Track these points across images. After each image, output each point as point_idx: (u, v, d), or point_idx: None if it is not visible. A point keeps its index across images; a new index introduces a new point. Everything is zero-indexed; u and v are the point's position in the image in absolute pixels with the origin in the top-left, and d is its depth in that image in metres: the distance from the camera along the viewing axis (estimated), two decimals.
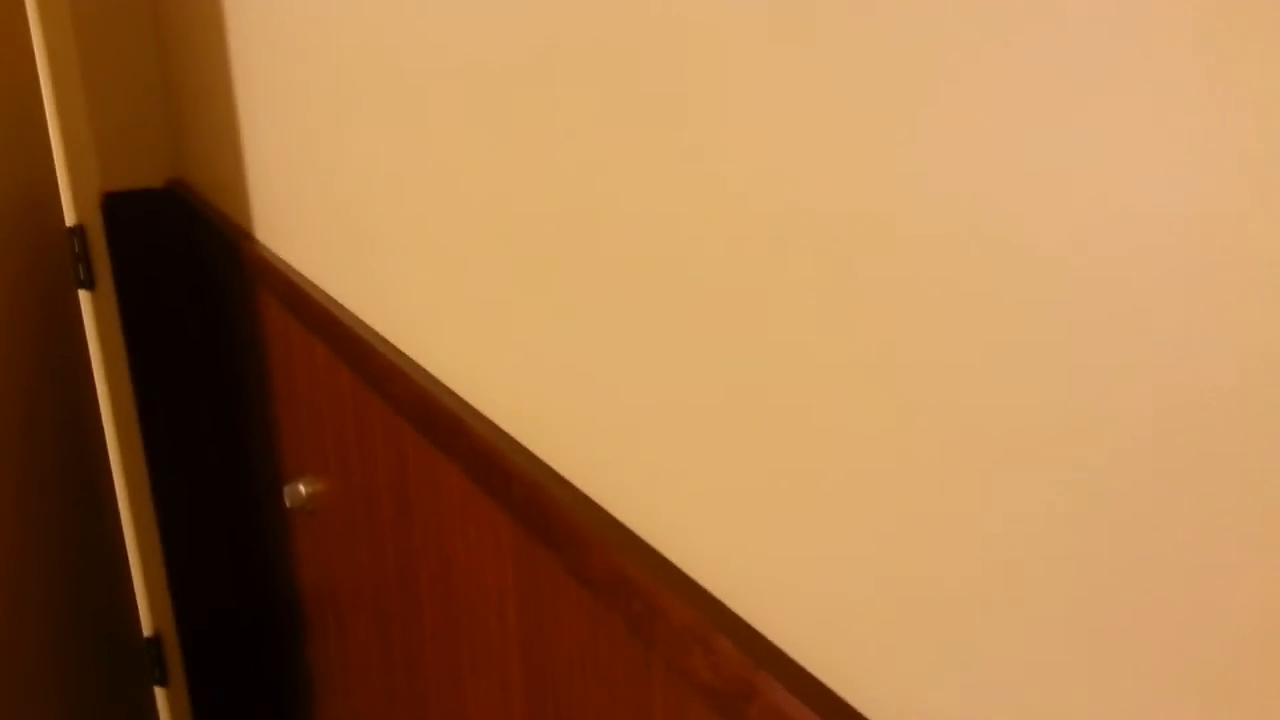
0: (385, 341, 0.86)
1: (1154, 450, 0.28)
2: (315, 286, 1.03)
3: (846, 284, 0.38)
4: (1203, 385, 0.27)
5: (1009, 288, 0.32)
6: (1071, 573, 0.31)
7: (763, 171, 0.40)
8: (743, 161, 0.41)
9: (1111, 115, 0.28)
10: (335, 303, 0.97)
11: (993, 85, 0.31)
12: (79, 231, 1.61)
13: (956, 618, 0.36)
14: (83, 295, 1.65)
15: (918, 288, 0.35)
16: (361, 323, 0.91)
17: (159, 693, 1.86)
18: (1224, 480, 0.27)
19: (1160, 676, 0.29)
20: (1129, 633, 0.30)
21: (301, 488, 1.14)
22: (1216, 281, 0.26)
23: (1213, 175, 0.26)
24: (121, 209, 1.64)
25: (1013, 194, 0.31)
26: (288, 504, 1.15)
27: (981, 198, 0.32)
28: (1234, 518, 0.27)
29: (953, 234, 0.33)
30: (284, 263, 1.13)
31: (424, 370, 0.79)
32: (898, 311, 0.36)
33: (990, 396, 0.33)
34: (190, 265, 1.68)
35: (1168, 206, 0.27)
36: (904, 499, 0.37)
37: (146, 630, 1.82)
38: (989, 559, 0.34)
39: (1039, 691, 0.33)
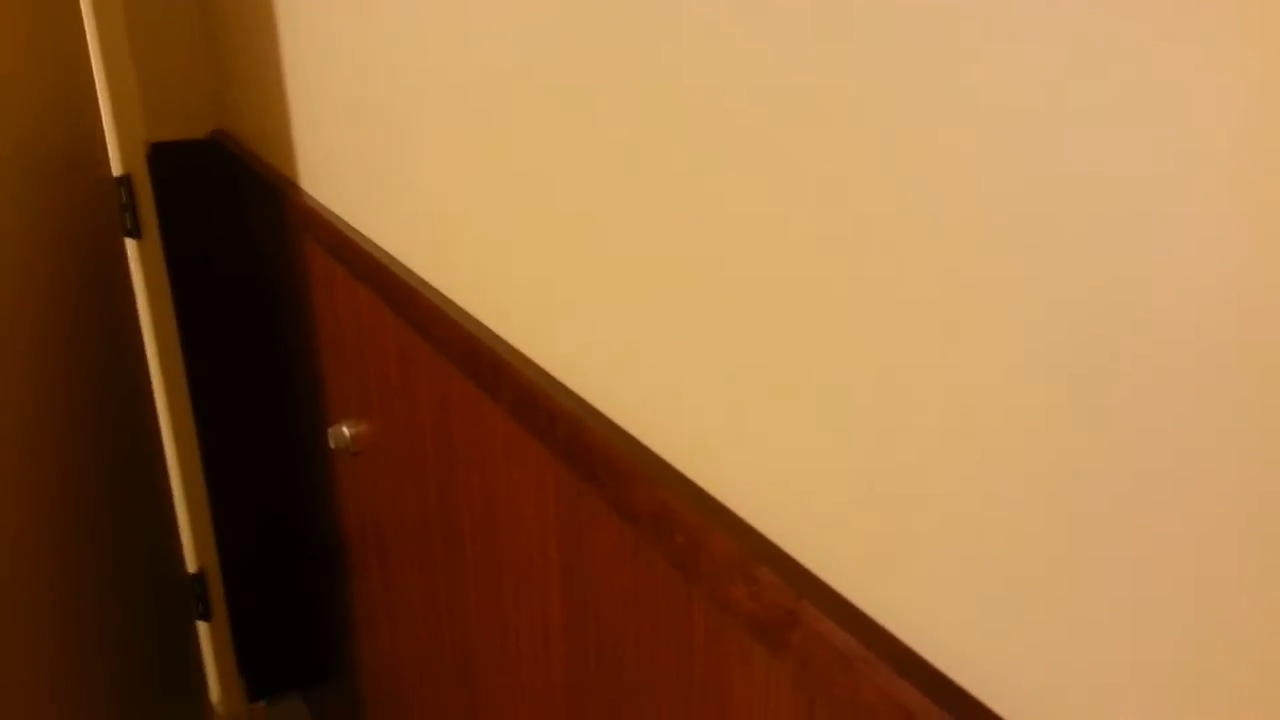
0: (430, 286, 0.88)
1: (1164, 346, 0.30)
2: (360, 234, 1.05)
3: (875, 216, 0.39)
4: (1208, 277, 0.28)
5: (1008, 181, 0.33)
6: (1104, 507, 0.33)
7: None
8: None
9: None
10: (380, 249, 0.99)
11: None
12: (125, 181, 1.64)
13: (991, 542, 0.37)
14: (129, 244, 1.68)
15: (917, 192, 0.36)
16: (406, 269, 0.93)
17: (202, 627, 1.92)
18: (1225, 381, 0.28)
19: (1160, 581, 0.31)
20: (1182, 560, 0.31)
21: (345, 429, 1.17)
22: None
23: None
24: (167, 159, 1.66)
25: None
26: (331, 445, 1.18)
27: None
28: (1234, 422, 0.28)
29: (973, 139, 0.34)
30: (329, 210, 1.15)
31: (468, 314, 0.81)
32: (911, 239, 0.37)
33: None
34: (235, 214, 1.71)
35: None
36: (939, 432, 0.38)
37: (191, 567, 1.87)
38: (1019, 482, 0.35)
39: (1070, 607, 0.35)
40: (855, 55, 0.39)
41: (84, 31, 1.56)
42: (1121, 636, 0.33)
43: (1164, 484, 0.31)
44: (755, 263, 0.47)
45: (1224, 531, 0.30)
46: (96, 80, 1.60)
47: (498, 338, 0.76)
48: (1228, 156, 0.28)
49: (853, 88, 0.39)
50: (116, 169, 1.64)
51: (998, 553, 0.37)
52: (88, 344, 1.55)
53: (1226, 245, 0.28)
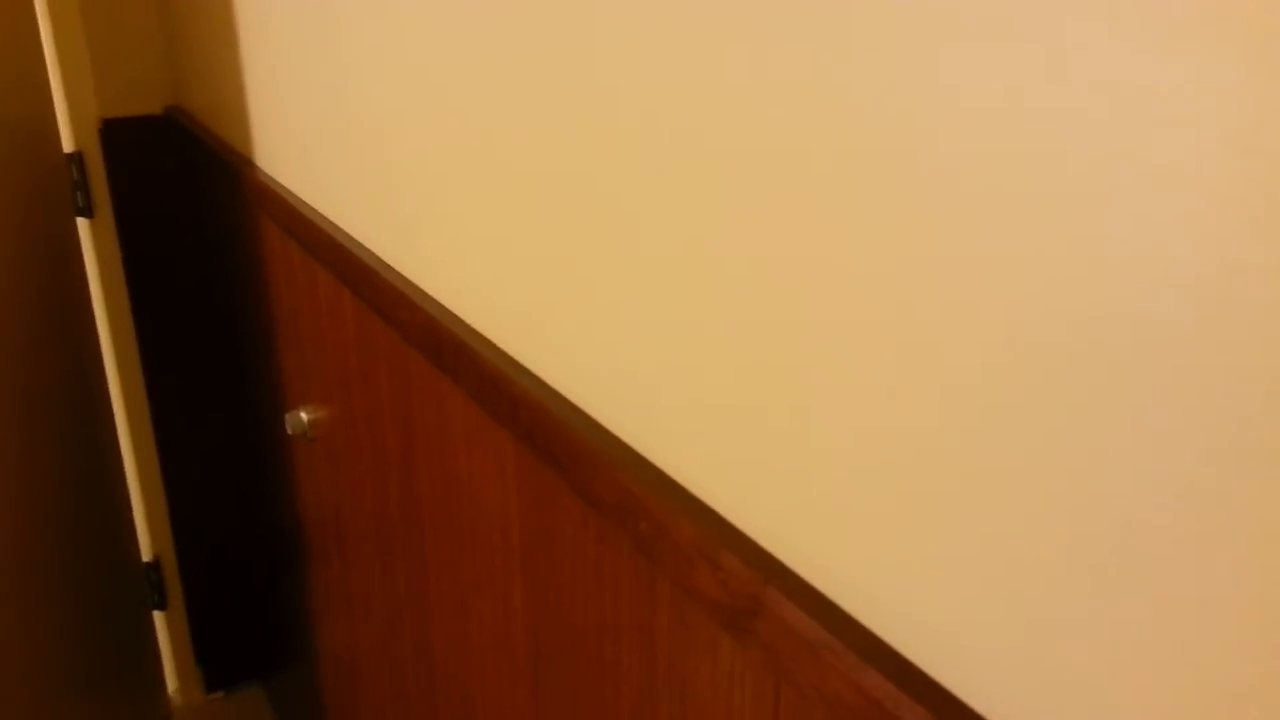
0: (390, 268, 0.86)
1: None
2: (317, 213, 1.02)
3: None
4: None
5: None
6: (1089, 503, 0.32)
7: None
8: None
9: None
10: (339, 229, 0.97)
11: None
12: (77, 158, 1.60)
13: (958, 525, 0.36)
14: (81, 223, 1.64)
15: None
16: (366, 249, 0.91)
17: (158, 616, 1.89)
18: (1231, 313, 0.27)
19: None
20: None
21: (303, 414, 1.15)
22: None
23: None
24: (120, 136, 1.62)
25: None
26: (289, 431, 1.16)
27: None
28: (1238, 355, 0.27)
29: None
30: (285, 189, 1.12)
31: (429, 296, 0.79)
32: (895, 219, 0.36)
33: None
34: (190, 192, 1.67)
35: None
36: (908, 419, 0.37)
37: (146, 555, 1.84)
38: (991, 468, 0.35)
39: (1040, 594, 0.34)
40: (831, 51, 0.38)
41: (34, 4, 1.51)
42: (1092, 623, 0.32)
43: (1139, 466, 0.30)
44: (716, 247, 0.45)
45: (1200, 512, 0.29)
46: (46, 55, 1.55)
47: (459, 320, 0.75)
48: (1205, 141, 0.27)
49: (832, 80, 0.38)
50: (68, 146, 1.59)
51: (967, 539, 0.36)
52: (41, 326, 1.51)
53: (1204, 228, 0.27)
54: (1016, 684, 0.36)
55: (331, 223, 0.99)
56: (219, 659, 1.95)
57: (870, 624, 0.42)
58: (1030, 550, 0.34)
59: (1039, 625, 0.34)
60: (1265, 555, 0.27)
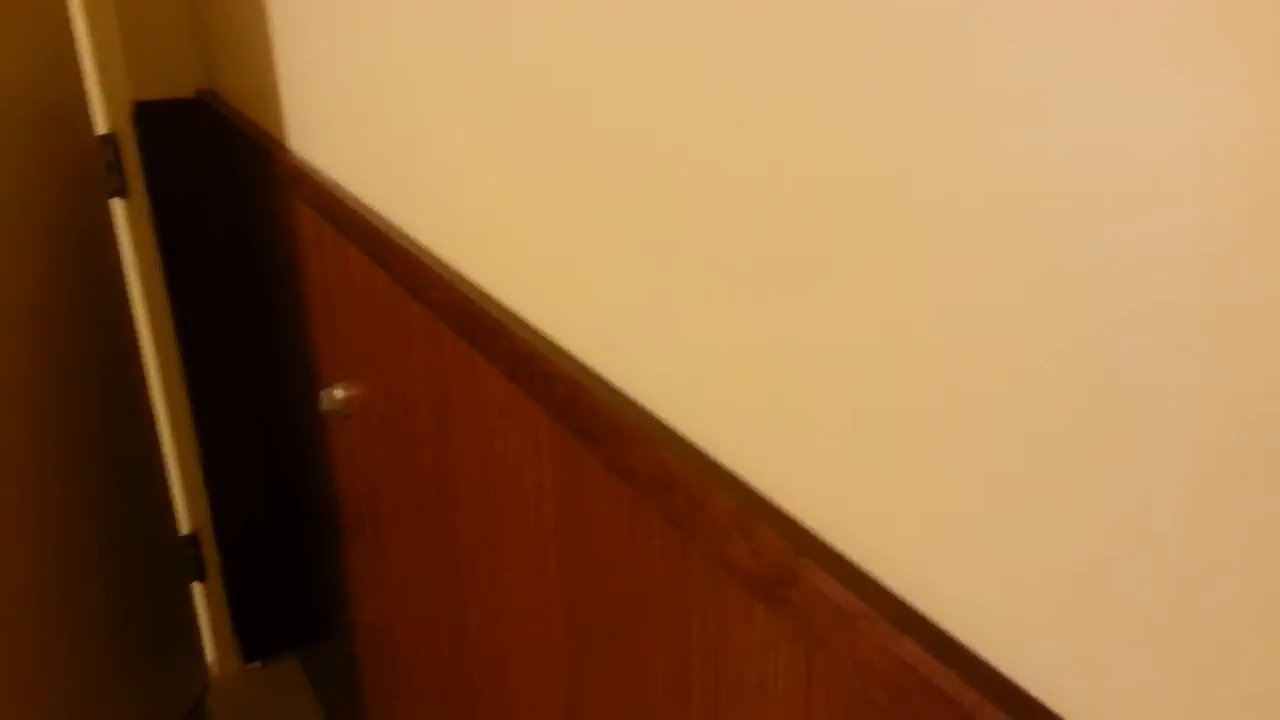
0: (423, 248, 0.87)
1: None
2: (350, 194, 1.04)
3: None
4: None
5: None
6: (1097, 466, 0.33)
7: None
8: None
9: None
10: (371, 210, 0.98)
11: None
12: (111, 140, 1.62)
13: (989, 496, 0.37)
14: (116, 203, 1.67)
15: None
16: (398, 230, 0.92)
17: (197, 588, 1.93)
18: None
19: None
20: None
21: (337, 392, 1.17)
22: None
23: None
24: (153, 119, 1.64)
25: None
26: (324, 408, 1.18)
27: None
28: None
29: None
30: (318, 171, 1.14)
31: (462, 276, 0.81)
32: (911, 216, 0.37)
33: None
34: (222, 174, 1.69)
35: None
36: (935, 390, 0.38)
37: (184, 528, 1.88)
38: (1017, 435, 0.36)
39: (1070, 561, 0.35)
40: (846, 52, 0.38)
41: None
42: (1122, 588, 0.34)
43: (1156, 439, 0.31)
44: (745, 225, 0.46)
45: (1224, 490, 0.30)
46: (79, 38, 1.58)
47: (493, 300, 0.76)
48: (1203, 141, 0.28)
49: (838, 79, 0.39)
50: (102, 128, 1.62)
51: (996, 507, 0.37)
52: (79, 305, 1.54)
53: (1206, 229, 0.28)
54: (1048, 648, 0.37)
55: (364, 204, 1.00)
56: (256, 630, 1.99)
57: (901, 591, 0.43)
58: (1060, 516, 0.35)
59: (1066, 587, 0.35)
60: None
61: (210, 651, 1.98)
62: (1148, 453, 0.32)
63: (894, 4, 0.37)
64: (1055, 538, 0.35)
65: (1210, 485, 0.30)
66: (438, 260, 0.85)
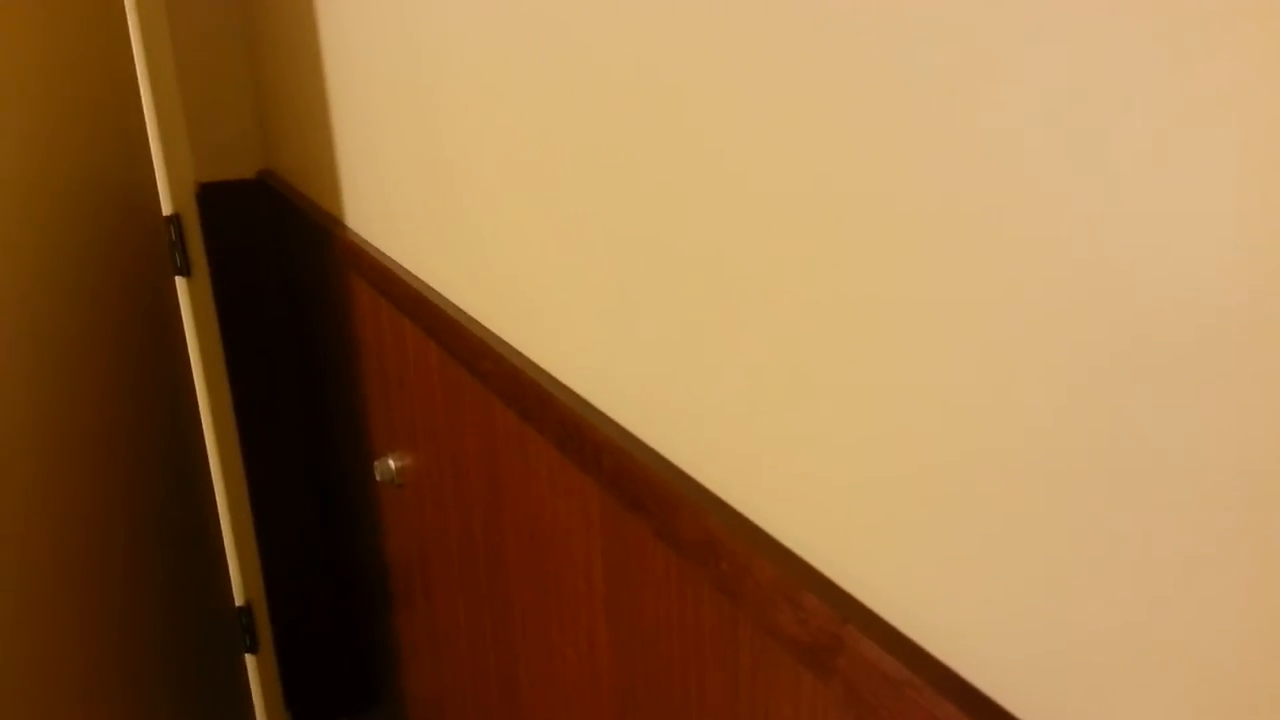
0: (474, 320, 0.90)
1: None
2: (405, 270, 1.08)
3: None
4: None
5: None
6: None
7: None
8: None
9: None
10: (426, 285, 1.02)
11: None
12: (175, 220, 1.69)
13: (1033, 564, 0.38)
14: (179, 281, 1.73)
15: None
16: (450, 303, 0.95)
17: (249, 660, 1.95)
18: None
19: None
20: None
21: (391, 462, 1.20)
22: None
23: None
24: (215, 199, 1.71)
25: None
26: (377, 478, 1.21)
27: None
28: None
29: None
30: (374, 247, 1.18)
31: (512, 348, 0.83)
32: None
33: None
34: (280, 252, 1.75)
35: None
36: (978, 460, 0.39)
37: (238, 600, 1.90)
38: (1065, 504, 0.36)
39: (1116, 629, 0.36)
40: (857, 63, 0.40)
41: (136, 77, 1.61)
42: (1171, 661, 0.34)
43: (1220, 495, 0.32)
44: (787, 300, 0.48)
45: None
46: (147, 123, 1.66)
47: (541, 370, 0.78)
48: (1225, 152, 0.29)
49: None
50: (166, 209, 1.69)
51: (1040, 575, 0.38)
52: (144, 378, 1.60)
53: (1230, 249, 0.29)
54: (1091, 715, 0.37)
55: (419, 279, 1.04)
56: (307, 701, 2.00)
57: (945, 658, 0.43)
58: (1103, 583, 0.36)
59: (1111, 657, 0.36)
60: None
61: None
62: (1188, 527, 0.32)
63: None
64: (1100, 602, 0.36)
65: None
66: (488, 332, 0.87)
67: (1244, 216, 0.29)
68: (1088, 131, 0.33)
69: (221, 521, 1.85)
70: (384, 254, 1.15)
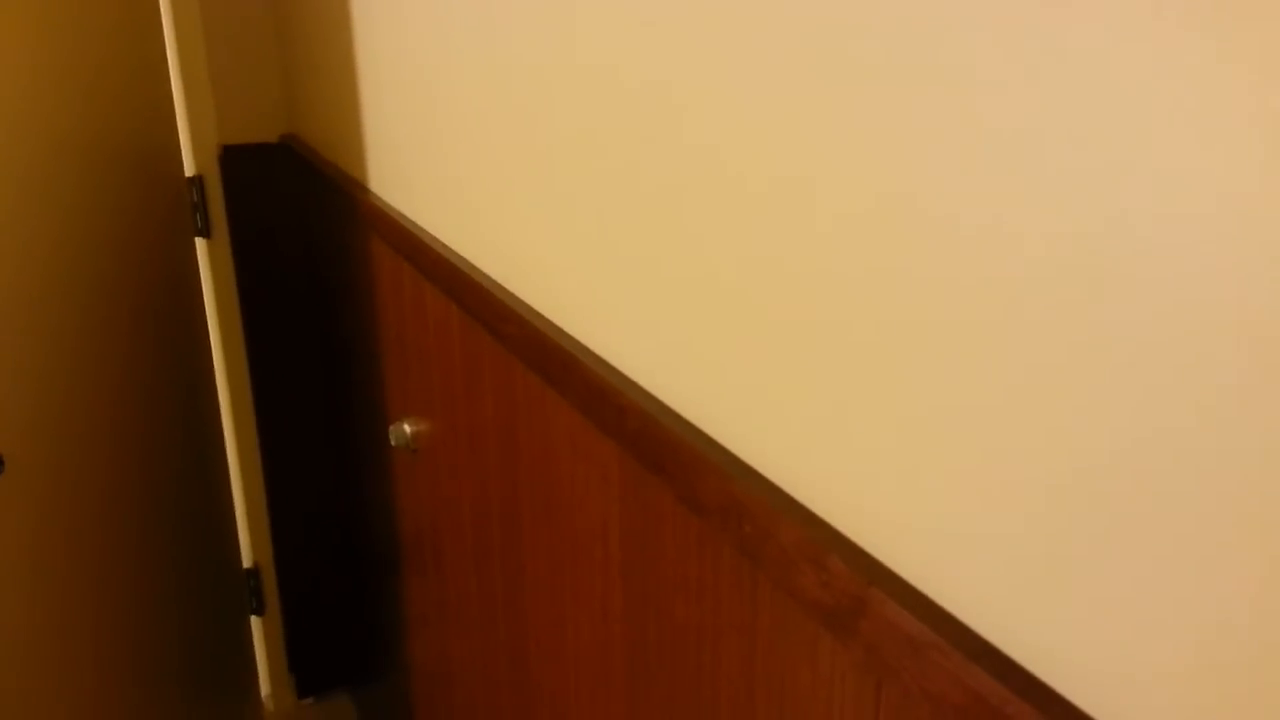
0: (499, 285, 0.90)
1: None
2: (428, 233, 1.07)
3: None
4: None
5: None
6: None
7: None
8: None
9: None
10: (449, 249, 1.01)
11: None
12: (198, 181, 1.69)
13: (1061, 532, 0.38)
14: (199, 243, 1.73)
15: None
16: (475, 268, 0.95)
17: (254, 622, 1.96)
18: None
19: None
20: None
21: (406, 427, 1.20)
22: None
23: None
24: (238, 162, 1.71)
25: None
26: (392, 443, 1.21)
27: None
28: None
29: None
30: (397, 211, 1.18)
31: (536, 311, 0.83)
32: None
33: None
34: (302, 215, 1.75)
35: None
36: (1005, 425, 0.39)
37: (246, 562, 1.91)
38: (1088, 471, 0.36)
39: (1145, 598, 0.35)
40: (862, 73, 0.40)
41: (163, 39, 1.61)
42: (1201, 629, 0.34)
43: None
44: (818, 263, 0.48)
45: None
46: (173, 86, 1.66)
47: (566, 334, 0.78)
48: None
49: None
50: (189, 170, 1.69)
51: (1067, 542, 0.38)
52: (163, 338, 1.60)
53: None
54: (1122, 682, 0.37)
55: (442, 243, 1.03)
56: (311, 666, 2.01)
57: (973, 624, 0.43)
58: (1129, 551, 0.35)
59: (1144, 623, 0.35)
60: None
61: (265, 686, 2.01)
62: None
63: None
64: (1135, 580, 0.36)
65: None
66: (512, 296, 0.87)
67: None
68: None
69: (233, 483, 1.86)
70: (407, 218, 1.15)
